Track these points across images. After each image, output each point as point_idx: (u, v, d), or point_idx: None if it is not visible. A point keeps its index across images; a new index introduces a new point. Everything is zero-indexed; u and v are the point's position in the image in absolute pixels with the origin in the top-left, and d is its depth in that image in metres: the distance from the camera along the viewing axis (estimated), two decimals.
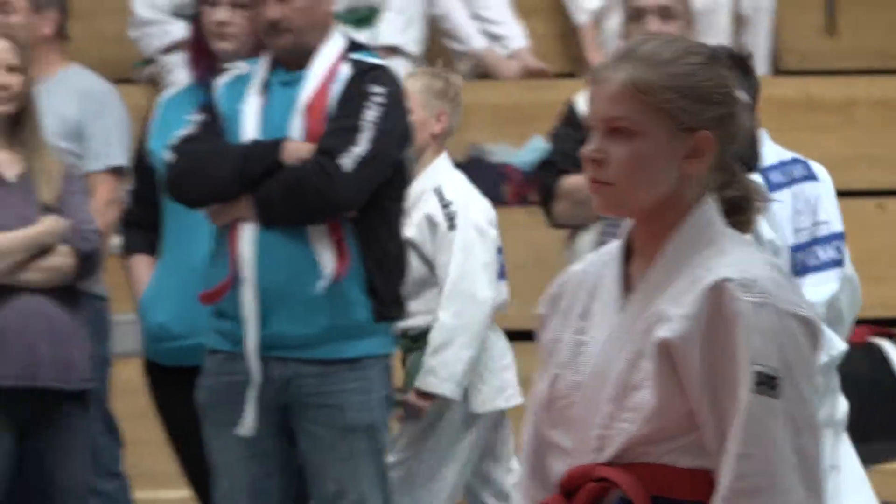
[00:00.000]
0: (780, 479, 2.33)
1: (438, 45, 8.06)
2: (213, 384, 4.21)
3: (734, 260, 2.32)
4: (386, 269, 4.39)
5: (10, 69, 4.79)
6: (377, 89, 4.48)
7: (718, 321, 2.27)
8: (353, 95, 4.49)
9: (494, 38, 8.09)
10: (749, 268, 2.32)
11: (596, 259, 2.64)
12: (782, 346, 2.31)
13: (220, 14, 4.79)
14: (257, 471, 4.36)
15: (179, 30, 6.37)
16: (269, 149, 4.49)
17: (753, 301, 2.26)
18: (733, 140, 2.34)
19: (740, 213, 2.43)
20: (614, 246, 2.51)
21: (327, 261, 4.26)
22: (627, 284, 2.48)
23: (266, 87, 4.62)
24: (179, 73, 6.67)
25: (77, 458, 4.85)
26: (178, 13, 6.55)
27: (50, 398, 4.75)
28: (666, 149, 2.27)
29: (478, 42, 8.12)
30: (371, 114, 4.46)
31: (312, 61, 4.60)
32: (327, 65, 4.64)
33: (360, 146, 4.42)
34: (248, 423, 4.33)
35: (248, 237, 4.35)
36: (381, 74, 4.61)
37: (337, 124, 4.45)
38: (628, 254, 2.49)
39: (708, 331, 2.28)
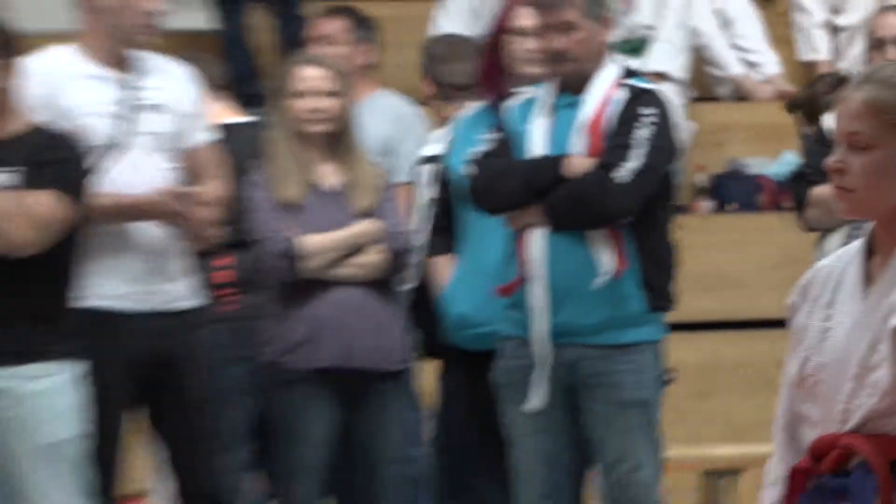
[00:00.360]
0: None
1: (701, 71, 8.06)
2: (507, 366, 4.52)
3: None
4: (658, 266, 4.62)
5: (329, 94, 5.14)
6: (649, 111, 4.70)
7: None
8: (628, 116, 4.70)
9: (751, 65, 8.07)
10: None
11: (841, 256, 2.67)
12: None
13: (531, 43, 4.97)
14: (548, 442, 4.61)
15: None
16: (554, 163, 4.73)
17: None
18: None
19: None
20: (857, 244, 2.58)
21: (607, 260, 4.50)
22: (869, 278, 2.54)
23: (551, 109, 4.85)
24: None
25: (393, 429, 5.18)
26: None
27: (369, 377, 5.08)
28: None
29: (736, 68, 8.11)
30: (643, 132, 4.66)
31: (591, 86, 4.81)
32: (604, 89, 4.83)
33: (634, 161, 4.62)
34: (536, 399, 4.60)
35: (537, 240, 4.61)
36: (652, 97, 4.82)
37: (613, 142, 4.66)
38: (870, 251, 2.56)
39: None
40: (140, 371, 4.83)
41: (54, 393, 4.48)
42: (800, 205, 5.34)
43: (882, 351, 2.48)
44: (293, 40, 7.24)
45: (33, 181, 4.56)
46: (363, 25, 6.23)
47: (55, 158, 4.58)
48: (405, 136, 6.03)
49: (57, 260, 4.50)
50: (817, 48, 7.86)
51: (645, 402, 4.67)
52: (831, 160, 2.51)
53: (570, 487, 4.84)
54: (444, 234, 5.20)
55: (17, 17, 5.04)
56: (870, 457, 2.46)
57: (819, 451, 2.54)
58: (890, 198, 2.48)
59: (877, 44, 5.71)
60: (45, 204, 4.43)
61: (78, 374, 4.52)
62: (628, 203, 4.55)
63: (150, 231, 4.90)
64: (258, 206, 5.19)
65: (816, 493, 2.62)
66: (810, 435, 2.57)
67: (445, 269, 5.05)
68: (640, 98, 4.75)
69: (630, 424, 4.65)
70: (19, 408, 4.44)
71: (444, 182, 5.11)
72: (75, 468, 4.57)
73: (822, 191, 5.04)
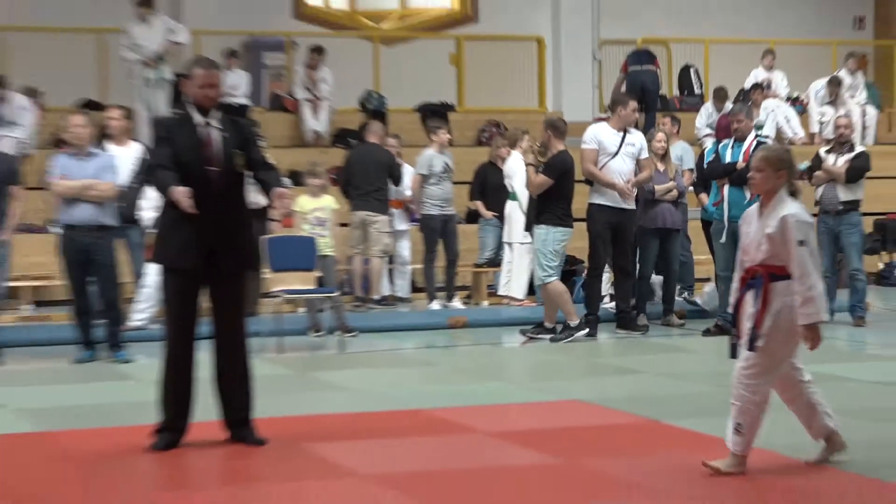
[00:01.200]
0: (809, 274, 6.22)
1: (780, 135, 16.94)
2: None
3: None
4: None
5: None
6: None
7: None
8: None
9: (794, 133, 19.23)
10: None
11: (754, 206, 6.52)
12: (806, 232, 6.28)
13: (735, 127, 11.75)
14: None
15: None
16: (735, 166, 11.76)
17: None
18: None
19: None
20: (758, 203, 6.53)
21: None
22: (761, 213, 6.43)
23: (733, 147, 11.97)
24: None
25: None
26: None
27: None
28: None
29: (789, 134, 18.82)
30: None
31: (748, 139, 11.88)
32: (750, 140, 11.90)
33: None
34: None
35: None
36: (764, 144, 10.27)
37: None
38: (762, 205, 6.47)
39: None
40: None
41: None
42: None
43: (765, 239, 6.38)
44: None
45: None
46: None
47: None
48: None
49: None
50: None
51: None
52: (750, 174, 6.47)
53: None
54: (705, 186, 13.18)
55: None
56: (761, 271, 6.43)
57: (747, 272, 6.53)
58: (765, 186, 6.42)
59: None
60: None
61: None
62: None
63: None
64: None
65: (747, 287, 6.53)
66: (745, 266, 6.54)
67: None
68: (760, 144, 11.48)
69: None
70: None
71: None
72: None
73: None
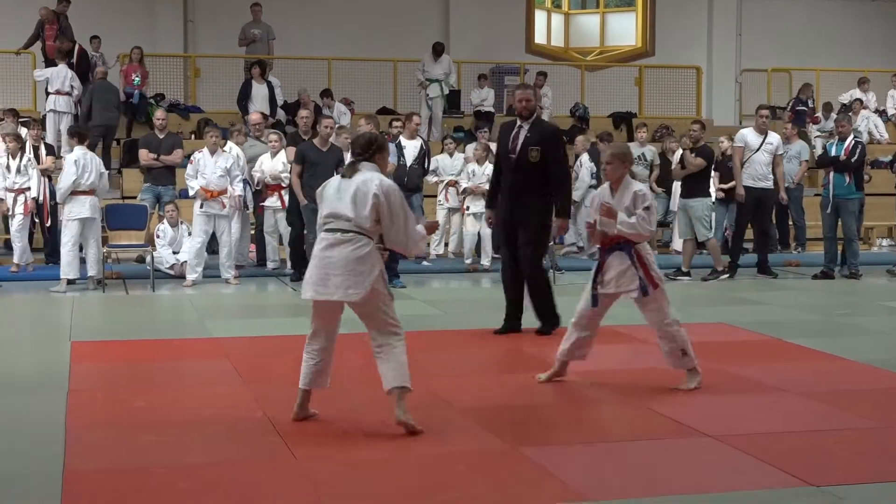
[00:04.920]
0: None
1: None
2: None
3: None
4: None
5: None
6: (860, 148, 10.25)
7: None
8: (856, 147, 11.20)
9: (880, 134, 17.30)
10: None
11: (604, 187, 5.73)
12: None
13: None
14: None
15: None
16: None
17: None
18: None
19: None
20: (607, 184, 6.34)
21: None
22: (613, 194, 5.80)
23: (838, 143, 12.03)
24: None
25: None
26: None
27: None
28: None
29: (877, 136, 17.12)
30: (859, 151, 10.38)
31: (850, 138, 11.80)
32: (849, 140, 11.61)
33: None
34: None
35: None
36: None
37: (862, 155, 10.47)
38: (612, 187, 5.62)
39: None
40: None
41: None
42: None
43: (625, 211, 5.64)
44: None
45: None
46: None
47: None
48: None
49: None
50: None
51: None
52: (603, 166, 6.14)
53: None
54: None
55: None
56: (604, 242, 5.93)
57: (603, 242, 5.97)
58: (614, 175, 5.83)
59: None
60: None
61: None
62: None
63: None
64: None
65: (601, 252, 6.00)
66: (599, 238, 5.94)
67: None
68: (857, 143, 11.94)
69: None
70: None
71: None
72: None
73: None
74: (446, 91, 17.28)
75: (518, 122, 7.70)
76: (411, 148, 12.06)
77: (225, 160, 11.24)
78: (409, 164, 11.84)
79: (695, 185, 11.85)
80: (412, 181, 11.95)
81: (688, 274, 11.87)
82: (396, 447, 4.88)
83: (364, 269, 4.95)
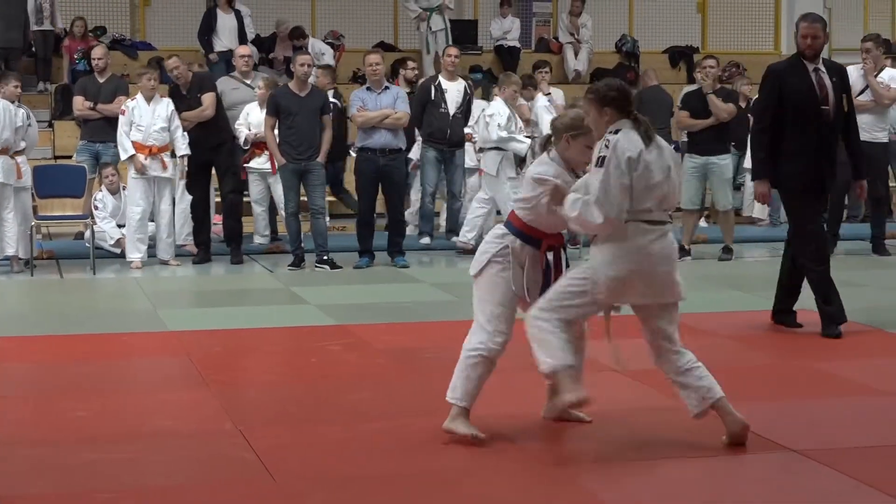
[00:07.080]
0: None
1: None
2: None
3: None
4: None
5: None
6: None
7: None
8: None
9: None
10: None
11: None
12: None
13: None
14: None
15: None
16: None
17: None
18: None
19: None
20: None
21: None
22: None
23: None
24: None
25: None
26: None
27: None
28: None
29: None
30: None
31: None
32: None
33: None
34: None
35: None
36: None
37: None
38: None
39: None
40: None
41: None
42: None
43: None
44: None
45: None
46: None
47: None
48: None
49: None
50: None
51: None
52: None
53: None
54: None
55: None
56: (550, 243, 5.15)
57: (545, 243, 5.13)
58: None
59: None
60: None
61: None
62: None
63: None
64: None
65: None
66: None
67: None
68: None
69: None
70: None
71: None
72: None
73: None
74: (442, 24, 16.81)
75: (805, 64, 7.56)
76: (454, 91, 11.76)
77: (165, 108, 11.17)
78: (451, 112, 11.59)
79: (716, 139, 11.36)
80: (456, 133, 11.62)
81: (688, 252, 11.49)
82: (392, 462, 4.88)
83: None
